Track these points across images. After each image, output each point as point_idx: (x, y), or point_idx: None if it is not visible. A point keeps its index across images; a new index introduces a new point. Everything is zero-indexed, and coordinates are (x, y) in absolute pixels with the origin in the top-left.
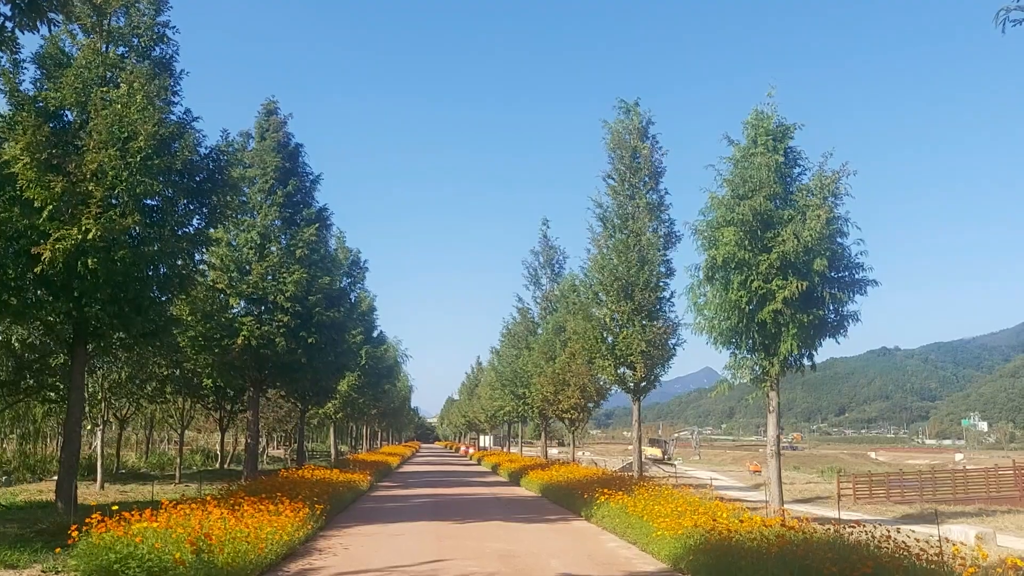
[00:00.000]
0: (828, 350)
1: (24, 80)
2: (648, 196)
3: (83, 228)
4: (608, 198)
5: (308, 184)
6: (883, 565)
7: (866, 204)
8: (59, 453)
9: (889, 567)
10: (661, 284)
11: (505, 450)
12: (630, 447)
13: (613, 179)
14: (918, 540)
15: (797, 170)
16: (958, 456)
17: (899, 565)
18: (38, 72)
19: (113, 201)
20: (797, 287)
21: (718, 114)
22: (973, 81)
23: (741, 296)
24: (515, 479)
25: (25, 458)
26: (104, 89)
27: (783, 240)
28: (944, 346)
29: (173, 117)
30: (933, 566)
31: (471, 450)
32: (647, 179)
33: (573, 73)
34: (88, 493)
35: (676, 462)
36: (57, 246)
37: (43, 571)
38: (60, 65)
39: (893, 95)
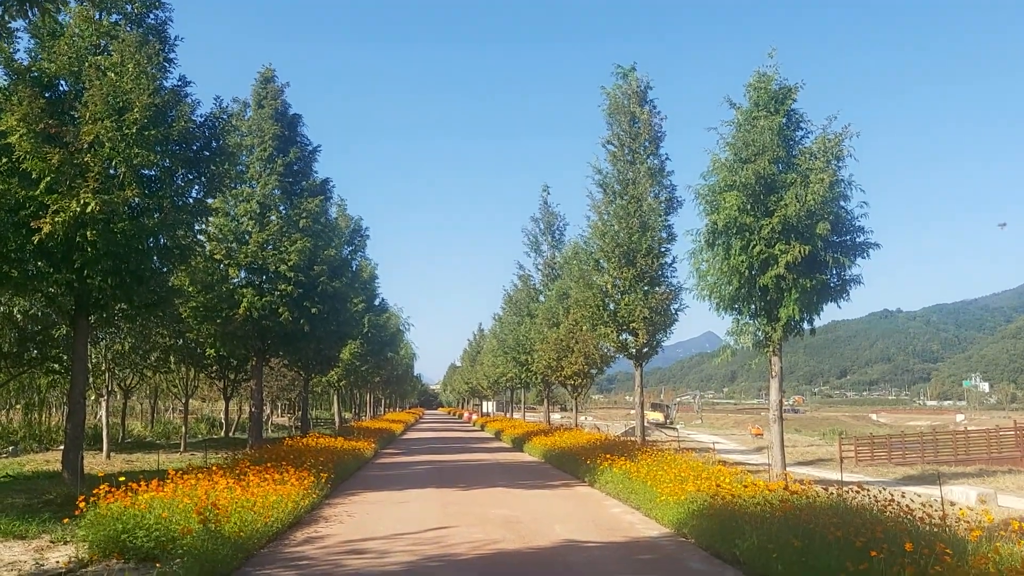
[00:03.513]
0: (830, 313)
1: (18, 50)
2: (648, 161)
3: (82, 201)
4: (608, 164)
5: (307, 154)
6: (887, 529)
7: (868, 164)
8: (64, 423)
9: (893, 531)
10: (663, 250)
11: (508, 416)
12: (632, 412)
13: (613, 145)
14: (922, 505)
15: (800, 133)
16: (959, 417)
17: (902, 529)
18: (31, 42)
19: (111, 172)
20: (800, 251)
21: (721, 79)
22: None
23: (743, 261)
24: (518, 445)
25: (31, 428)
26: (98, 58)
27: (785, 204)
28: (946, 308)
29: (168, 85)
30: (936, 529)
31: (474, 416)
32: (647, 144)
33: (574, 26)
34: (94, 463)
35: (678, 426)
36: (57, 219)
37: (51, 541)
38: (53, 35)
39: (889, 56)
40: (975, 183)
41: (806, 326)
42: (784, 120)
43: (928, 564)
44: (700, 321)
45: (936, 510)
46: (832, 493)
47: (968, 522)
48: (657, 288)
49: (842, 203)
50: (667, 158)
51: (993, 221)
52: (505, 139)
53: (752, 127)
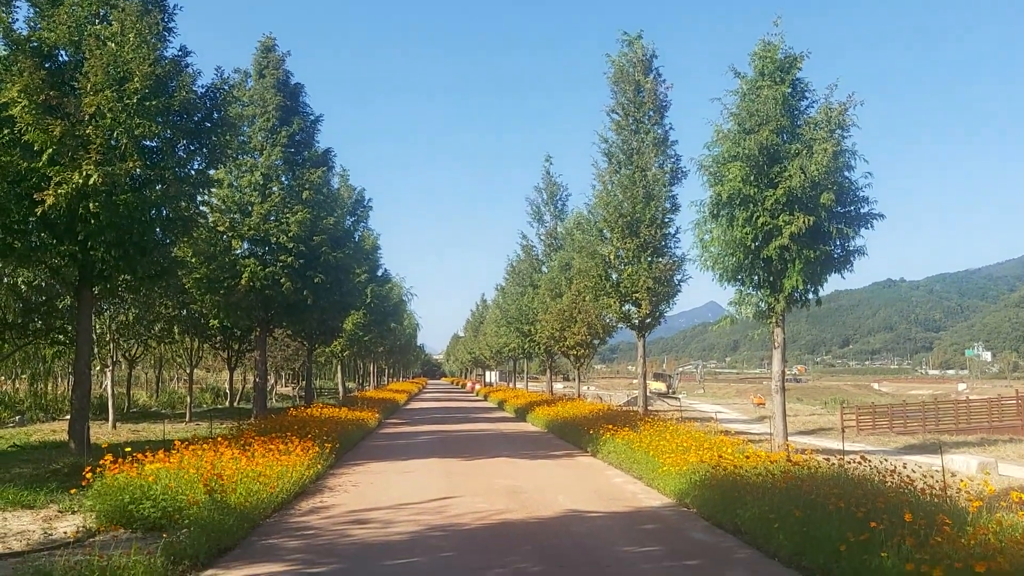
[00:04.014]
0: (833, 283)
1: (17, 19)
2: (653, 131)
3: (84, 173)
4: (613, 133)
5: (310, 124)
6: (888, 500)
7: (872, 134)
8: (70, 394)
9: (894, 502)
10: (667, 220)
11: (511, 386)
12: (635, 381)
13: (617, 114)
14: (923, 476)
15: (804, 102)
16: (961, 386)
17: (903, 500)
18: (31, 10)
19: (113, 143)
20: (804, 223)
21: (725, 47)
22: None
23: (747, 232)
24: (521, 415)
25: (37, 398)
26: (97, 27)
27: (789, 175)
28: (949, 277)
29: (168, 55)
30: (937, 500)
31: (477, 386)
32: (651, 113)
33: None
34: (100, 433)
35: (680, 396)
36: (59, 191)
37: (59, 511)
38: (53, 3)
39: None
40: (981, 152)
41: (810, 297)
42: (789, 90)
43: (928, 535)
44: (703, 291)
45: (937, 480)
46: (833, 463)
47: (968, 493)
48: (660, 259)
49: (846, 173)
50: (672, 127)
51: (998, 191)
52: (510, 98)
53: (756, 97)
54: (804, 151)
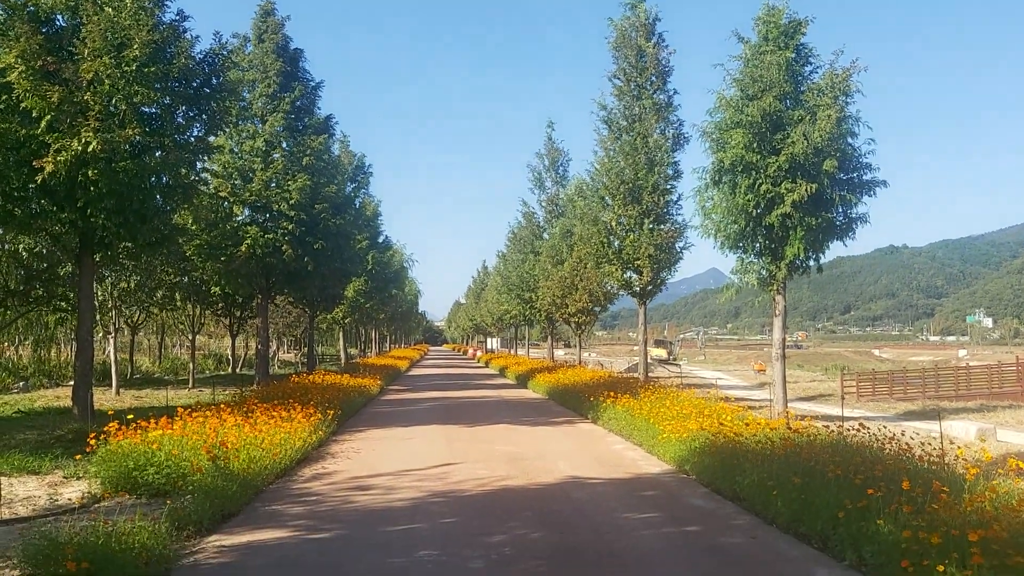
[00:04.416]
0: (835, 250)
1: None
2: (655, 96)
3: (83, 140)
4: (614, 99)
5: (311, 90)
6: (886, 468)
7: (875, 97)
8: (73, 360)
9: (892, 469)
10: (669, 187)
11: (512, 352)
12: (635, 348)
13: (619, 80)
14: (921, 443)
15: (808, 68)
16: (962, 352)
17: (901, 467)
18: None
19: (111, 110)
20: (806, 190)
21: (730, 13)
22: None
23: (749, 200)
24: (522, 382)
25: (41, 364)
26: None
27: (792, 142)
28: (952, 243)
29: (166, 19)
30: (935, 467)
31: (479, 353)
32: (654, 79)
33: None
34: (104, 399)
35: (681, 362)
36: (58, 158)
37: (64, 477)
38: None
39: None
40: (984, 118)
41: (811, 264)
42: (793, 55)
43: (925, 502)
44: (704, 258)
45: (935, 448)
46: (833, 431)
47: (966, 461)
48: (662, 226)
49: (849, 140)
50: (675, 93)
51: (1002, 156)
52: (511, 68)
53: (760, 62)
54: (807, 117)
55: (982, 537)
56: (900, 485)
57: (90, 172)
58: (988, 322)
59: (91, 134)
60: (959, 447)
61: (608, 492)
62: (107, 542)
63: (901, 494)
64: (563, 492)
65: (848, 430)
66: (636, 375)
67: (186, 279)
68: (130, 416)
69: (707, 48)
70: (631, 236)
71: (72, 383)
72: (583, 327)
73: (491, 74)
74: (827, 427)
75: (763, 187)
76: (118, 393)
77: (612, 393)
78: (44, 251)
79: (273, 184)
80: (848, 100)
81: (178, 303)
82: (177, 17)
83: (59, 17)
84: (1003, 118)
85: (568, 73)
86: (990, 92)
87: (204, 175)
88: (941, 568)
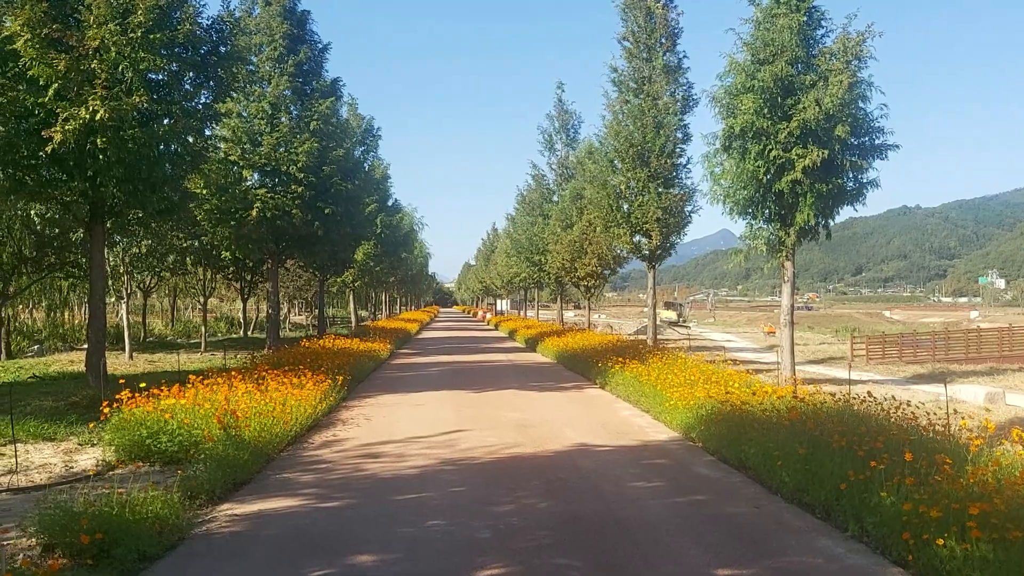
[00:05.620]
0: (846, 212)
1: None
2: (665, 58)
3: (91, 109)
4: (623, 62)
5: (317, 53)
6: (889, 439)
7: (888, 57)
8: (87, 326)
9: (896, 440)
10: (678, 150)
11: (521, 315)
12: (645, 310)
13: (628, 41)
14: (928, 412)
15: (820, 32)
16: (973, 314)
17: (905, 439)
18: None
19: (118, 78)
20: (817, 156)
21: None
22: None
23: (759, 166)
24: (531, 346)
25: (55, 328)
26: None
27: (804, 107)
28: (966, 204)
29: None
30: (940, 437)
31: (488, 315)
32: (663, 40)
33: None
34: (117, 363)
35: (691, 324)
36: (67, 127)
37: (79, 444)
38: None
39: None
40: (1001, 75)
41: (821, 230)
42: (805, 19)
43: (928, 474)
44: (715, 219)
45: (941, 416)
46: (839, 399)
47: (970, 432)
48: (671, 189)
49: (861, 104)
50: (684, 55)
51: (1019, 115)
52: (519, 23)
53: (771, 26)
54: (819, 82)
55: (982, 511)
56: (904, 456)
57: (98, 141)
58: (1001, 283)
59: (99, 102)
60: (963, 418)
61: (615, 460)
62: (121, 512)
63: (904, 465)
64: (571, 460)
65: (855, 397)
66: (645, 338)
67: (197, 244)
68: (142, 384)
69: (717, 13)
70: (640, 199)
71: (86, 347)
72: (592, 290)
73: (499, 31)
74: (833, 395)
75: (773, 153)
76: (131, 357)
77: (620, 358)
78: (56, 217)
79: (281, 147)
80: (861, 65)
81: (189, 268)
82: None
83: None
84: (1021, 77)
85: (583, 31)
86: (1010, 49)
87: (213, 141)
88: (940, 541)
